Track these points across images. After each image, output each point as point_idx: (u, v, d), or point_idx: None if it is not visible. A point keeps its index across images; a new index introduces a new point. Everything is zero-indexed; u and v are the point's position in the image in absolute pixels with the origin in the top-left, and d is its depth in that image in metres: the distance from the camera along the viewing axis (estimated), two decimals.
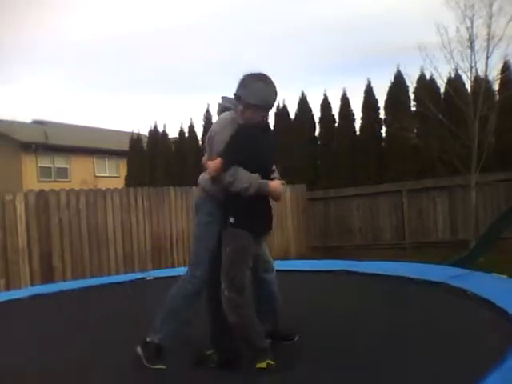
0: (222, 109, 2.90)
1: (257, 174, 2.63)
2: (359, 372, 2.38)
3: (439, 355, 2.42)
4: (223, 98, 2.92)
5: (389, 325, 3.03)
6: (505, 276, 3.88)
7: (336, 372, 2.45)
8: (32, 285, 6.77)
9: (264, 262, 2.95)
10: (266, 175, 2.71)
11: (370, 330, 2.95)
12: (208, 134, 2.90)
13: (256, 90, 2.72)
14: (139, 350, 2.68)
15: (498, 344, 2.31)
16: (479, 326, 2.80)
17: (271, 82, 2.78)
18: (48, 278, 7.09)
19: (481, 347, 2.43)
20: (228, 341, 2.71)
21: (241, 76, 2.79)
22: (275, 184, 2.70)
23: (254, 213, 2.67)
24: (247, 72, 2.80)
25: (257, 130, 2.72)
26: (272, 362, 2.56)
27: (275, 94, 2.80)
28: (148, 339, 2.69)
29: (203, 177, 2.83)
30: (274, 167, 2.92)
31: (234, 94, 2.79)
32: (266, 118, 2.85)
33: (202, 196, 2.86)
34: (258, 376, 2.49)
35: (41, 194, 7.42)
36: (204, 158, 2.86)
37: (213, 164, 2.64)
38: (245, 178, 2.61)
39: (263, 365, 2.54)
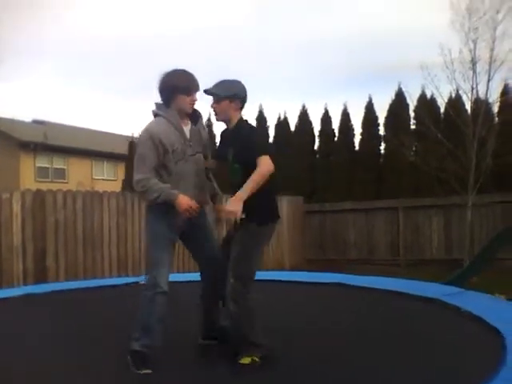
0: (154, 116, 2.92)
1: (168, 185, 2.74)
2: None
3: (428, 367, 2.43)
4: (156, 104, 2.94)
5: (380, 337, 3.03)
6: (503, 296, 3.90)
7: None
8: (25, 284, 6.74)
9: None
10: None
11: (359, 342, 2.95)
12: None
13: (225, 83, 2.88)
14: (129, 357, 2.73)
15: (489, 358, 2.33)
16: (471, 342, 2.81)
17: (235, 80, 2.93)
18: (41, 277, 7.05)
19: (472, 362, 2.45)
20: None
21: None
22: (183, 199, 2.73)
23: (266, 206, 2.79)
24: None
25: None
26: (257, 359, 2.59)
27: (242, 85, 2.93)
28: (131, 347, 2.74)
29: None
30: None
31: (205, 91, 2.87)
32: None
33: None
34: (240, 373, 2.51)
35: (38, 193, 7.41)
36: None
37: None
38: (154, 188, 2.73)
39: (247, 360, 2.59)
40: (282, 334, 3.06)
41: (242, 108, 2.89)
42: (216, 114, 2.89)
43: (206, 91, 2.87)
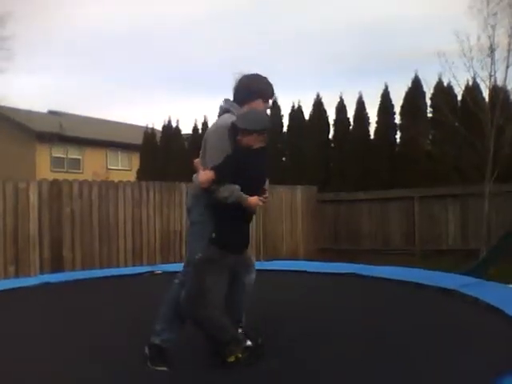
0: (223, 111, 2.92)
1: (237, 186, 2.67)
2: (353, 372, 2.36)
3: (447, 360, 2.40)
4: (225, 100, 2.95)
5: (395, 328, 3.01)
6: None
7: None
8: (41, 273, 6.81)
9: (246, 266, 2.92)
10: (256, 192, 2.76)
11: (374, 333, 2.93)
12: (204, 135, 2.93)
13: (249, 116, 2.80)
14: (146, 350, 2.71)
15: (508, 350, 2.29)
16: (489, 334, 2.77)
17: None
18: (57, 266, 7.13)
19: (490, 353, 2.41)
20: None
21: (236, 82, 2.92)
22: (253, 200, 2.72)
23: (232, 232, 2.75)
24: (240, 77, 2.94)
25: (253, 152, 2.76)
26: (240, 355, 2.58)
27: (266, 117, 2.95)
28: (151, 341, 2.72)
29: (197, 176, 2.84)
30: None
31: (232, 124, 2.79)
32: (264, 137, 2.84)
33: (194, 194, 2.90)
34: (238, 371, 2.50)
35: (54, 183, 7.47)
36: (197, 160, 2.88)
37: (204, 176, 2.67)
38: (228, 188, 2.65)
39: (232, 359, 2.58)
40: (291, 324, 3.05)
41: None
42: (240, 144, 2.77)
43: (236, 125, 2.77)
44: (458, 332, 2.90)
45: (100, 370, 2.54)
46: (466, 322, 3.10)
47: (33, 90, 34.06)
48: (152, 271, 5.66)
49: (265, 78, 2.96)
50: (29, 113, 20.04)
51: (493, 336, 2.76)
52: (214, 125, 2.93)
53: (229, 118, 2.81)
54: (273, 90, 2.99)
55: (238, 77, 2.95)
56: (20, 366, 2.58)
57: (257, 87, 2.89)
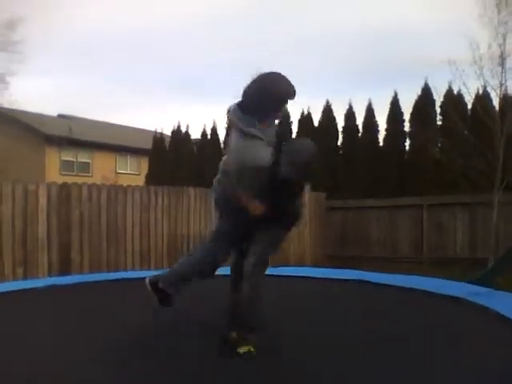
0: (238, 129, 2.63)
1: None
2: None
3: (453, 367, 2.38)
4: (233, 109, 2.71)
5: (401, 335, 2.99)
6: None
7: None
8: (50, 275, 6.84)
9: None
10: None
11: (379, 340, 2.91)
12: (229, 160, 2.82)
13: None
14: (150, 289, 2.98)
15: None
16: (498, 343, 2.75)
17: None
18: (65, 269, 7.16)
19: (498, 362, 2.39)
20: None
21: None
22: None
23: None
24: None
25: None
26: (252, 349, 2.64)
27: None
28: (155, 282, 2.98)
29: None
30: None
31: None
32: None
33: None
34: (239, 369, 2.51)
35: (63, 186, 7.51)
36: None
37: (258, 210, 2.70)
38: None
39: (244, 349, 2.65)
40: (292, 330, 3.04)
41: None
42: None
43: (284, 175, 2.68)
44: (464, 338, 2.88)
45: (101, 371, 2.55)
46: (474, 329, 3.08)
47: (43, 93, 34.33)
48: None
49: (285, 77, 2.57)
50: (39, 116, 20.22)
51: (499, 343, 2.74)
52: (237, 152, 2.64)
53: (256, 152, 2.49)
54: (295, 92, 2.61)
55: (253, 76, 2.54)
56: (22, 366, 2.59)
57: (277, 90, 2.51)
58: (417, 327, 3.20)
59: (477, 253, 10.11)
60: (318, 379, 2.39)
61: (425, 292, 4.06)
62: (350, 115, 12.94)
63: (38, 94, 32.77)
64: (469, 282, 4.79)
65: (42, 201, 7.17)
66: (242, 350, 2.64)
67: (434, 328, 3.16)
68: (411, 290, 4.16)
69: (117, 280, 5.17)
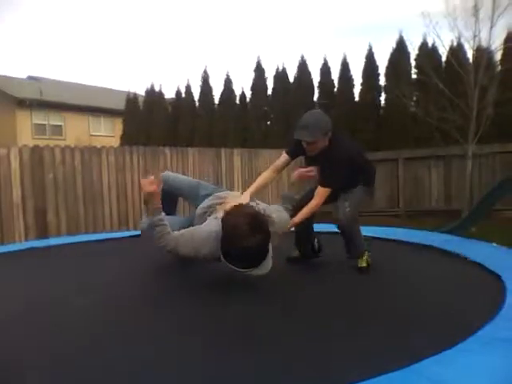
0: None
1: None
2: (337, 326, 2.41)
3: (430, 309, 2.46)
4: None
5: (378, 282, 3.07)
6: (494, 243, 3.94)
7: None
8: (26, 240, 6.79)
9: None
10: None
11: (357, 289, 2.98)
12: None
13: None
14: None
15: (490, 300, 2.37)
16: (472, 286, 2.85)
17: None
18: (42, 233, 7.12)
19: (473, 303, 2.48)
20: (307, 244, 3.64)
21: None
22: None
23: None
24: None
25: None
26: (369, 259, 3.32)
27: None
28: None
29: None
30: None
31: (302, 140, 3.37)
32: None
33: None
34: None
35: (35, 149, 7.36)
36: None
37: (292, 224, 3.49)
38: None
39: (364, 263, 3.30)
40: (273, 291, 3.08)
41: None
42: (310, 151, 3.34)
43: (303, 140, 3.31)
44: (439, 283, 2.97)
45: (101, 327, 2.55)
46: (446, 274, 3.17)
47: (11, 56, 33.21)
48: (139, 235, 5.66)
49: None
50: (8, 79, 19.60)
51: (474, 287, 2.83)
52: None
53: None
54: None
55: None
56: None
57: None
58: (390, 275, 3.28)
59: (452, 204, 10.33)
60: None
61: (398, 241, 4.16)
62: (325, 70, 12.84)
63: (6, 56, 31.65)
64: (442, 232, 4.90)
65: (15, 165, 7.04)
66: (362, 263, 3.30)
67: (406, 274, 3.25)
68: (386, 240, 4.24)
69: (96, 241, 5.16)
